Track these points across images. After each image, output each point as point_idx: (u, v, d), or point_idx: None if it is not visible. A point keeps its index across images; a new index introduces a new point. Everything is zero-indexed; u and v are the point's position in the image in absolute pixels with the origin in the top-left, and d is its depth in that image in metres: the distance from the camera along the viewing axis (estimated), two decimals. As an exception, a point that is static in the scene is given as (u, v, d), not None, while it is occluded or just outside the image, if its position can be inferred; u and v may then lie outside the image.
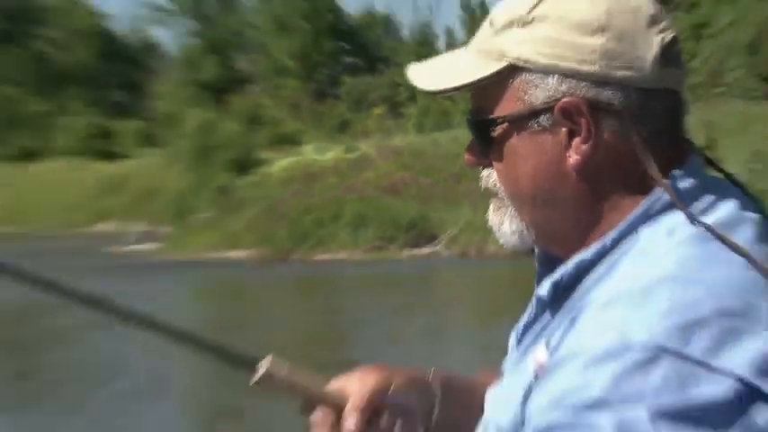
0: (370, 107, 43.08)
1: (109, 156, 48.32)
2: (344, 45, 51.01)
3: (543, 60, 1.24)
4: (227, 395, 11.05)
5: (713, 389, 1.09)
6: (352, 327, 19.85)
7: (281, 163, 36.59)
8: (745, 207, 1.28)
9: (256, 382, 1.41)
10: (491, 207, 1.37)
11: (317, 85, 47.51)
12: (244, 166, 36.81)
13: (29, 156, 50.78)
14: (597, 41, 1.23)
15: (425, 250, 29.29)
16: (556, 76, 1.24)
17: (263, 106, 44.82)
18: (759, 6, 35.78)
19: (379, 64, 48.27)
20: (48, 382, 14.20)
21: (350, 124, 42.68)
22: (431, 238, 29.63)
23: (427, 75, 1.35)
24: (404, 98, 41.25)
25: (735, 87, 33.18)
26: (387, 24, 55.07)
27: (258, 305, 22.91)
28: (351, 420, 1.42)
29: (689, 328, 1.12)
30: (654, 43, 1.25)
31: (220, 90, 47.02)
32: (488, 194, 1.36)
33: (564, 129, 1.24)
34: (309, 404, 1.48)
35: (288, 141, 40.69)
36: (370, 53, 51.22)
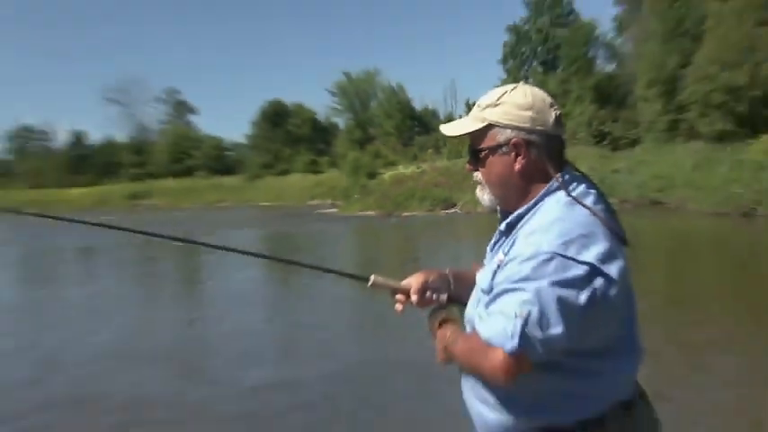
0: (427, 149, 51.10)
1: (317, 172, 61.38)
2: (416, 122, 61.21)
3: (504, 121, 1.82)
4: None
5: (580, 270, 1.64)
6: (419, 243, 23.94)
7: (388, 173, 45.48)
8: (590, 187, 1.83)
9: (370, 286, 2.14)
10: (477, 189, 1.96)
11: (404, 139, 57.51)
12: (373, 175, 45.75)
13: (285, 171, 65.12)
14: (528, 113, 1.81)
15: (451, 210, 35.35)
16: (509, 129, 1.82)
17: (381, 149, 54.55)
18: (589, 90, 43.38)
19: (430, 130, 56.02)
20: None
21: (418, 156, 50.28)
22: (453, 205, 35.67)
23: (449, 128, 1.95)
24: (441, 144, 48.58)
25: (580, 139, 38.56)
26: (433, 113, 63.60)
27: (379, 236, 27.72)
28: (413, 297, 2.10)
29: (567, 243, 1.66)
30: (552, 114, 1.83)
31: (362, 143, 58.90)
32: (476, 184, 1.95)
33: (513, 152, 1.82)
34: (394, 292, 2.16)
35: (391, 164, 49.39)
36: (426, 124, 59.83)
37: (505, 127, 1.82)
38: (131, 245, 24.96)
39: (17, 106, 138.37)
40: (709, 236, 20.95)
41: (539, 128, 1.81)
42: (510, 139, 1.82)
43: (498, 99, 1.85)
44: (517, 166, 1.83)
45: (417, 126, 60.76)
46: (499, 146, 1.84)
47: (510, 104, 1.83)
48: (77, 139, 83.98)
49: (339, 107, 70.33)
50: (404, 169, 45.37)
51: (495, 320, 1.67)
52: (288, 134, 69.39)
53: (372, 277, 2.17)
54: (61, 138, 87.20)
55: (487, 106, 1.87)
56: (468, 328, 1.93)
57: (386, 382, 7.44)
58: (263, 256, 2.80)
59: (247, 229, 32.19)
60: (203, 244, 2.65)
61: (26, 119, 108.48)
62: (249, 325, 10.89)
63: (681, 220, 24.63)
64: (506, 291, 1.69)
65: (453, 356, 1.89)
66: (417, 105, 64.32)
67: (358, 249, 24.41)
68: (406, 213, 36.32)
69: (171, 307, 13.84)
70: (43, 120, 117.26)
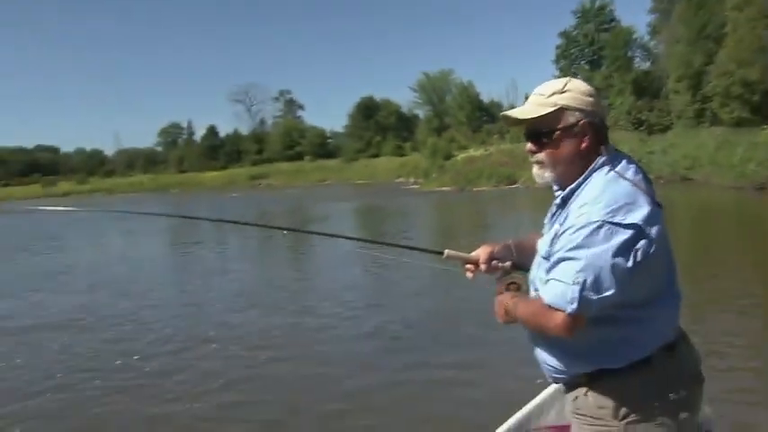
0: (493, 134, 49.72)
1: (401, 155, 60.93)
2: (483, 113, 59.22)
3: (574, 105, 1.77)
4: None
5: (626, 234, 1.61)
6: (488, 213, 23.88)
7: (461, 155, 44.67)
8: (629, 162, 1.77)
9: (444, 258, 2.10)
10: (535, 168, 1.87)
11: (474, 127, 56.29)
12: (448, 157, 45.14)
13: (375, 155, 65.61)
14: (590, 99, 1.77)
15: (513, 186, 35.08)
16: (578, 112, 1.76)
17: (455, 135, 52.86)
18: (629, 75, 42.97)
19: (496, 119, 46.20)
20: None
21: (485, 141, 49.07)
22: (515, 182, 35.42)
23: (519, 112, 1.84)
24: (505, 130, 44.74)
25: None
26: (498, 104, 60.80)
27: (454, 206, 27.85)
28: (482, 266, 2.05)
29: (614, 211, 1.62)
30: (602, 102, 1.85)
31: (438, 130, 57.51)
32: (534, 163, 1.86)
33: (581, 133, 1.76)
34: (464, 262, 2.10)
35: (463, 148, 48.02)
36: (492, 114, 56.46)
37: (575, 110, 1.76)
38: (248, 217, 25.44)
39: (165, 106, 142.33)
40: (729, 205, 21.12)
41: (598, 112, 1.79)
42: (579, 121, 1.76)
43: (564, 87, 1.79)
44: (583, 145, 1.77)
45: (485, 116, 59.23)
46: (570, 127, 1.77)
47: (576, 91, 1.78)
48: (211, 133, 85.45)
49: (419, 101, 69.30)
50: (474, 152, 45.10)
51: (555, 286, 1.66)
52: (377, 124, 69.41)
53: (446, 251, 2.12)
54: (199, 132, 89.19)
55: (554, 93, 1.79)
56: (531, 290, 1.91)
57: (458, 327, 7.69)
58: (349, 238, 2.65)
59: (346, 202, 32.47)
60: (287, 229, 3.01)
61: (174, 117, 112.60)
62: (345, 282, 11.34)
63: (706, 192, 24.76)
64: (563, 259, 1.66)
65: (515, 318, 1.86)
66: (485, 99, 63.00)
67: (437, 218, 24.59)
68: (476, 188, 36.33)
69: (283, 266, 14.46)
70: (186, 117, 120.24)
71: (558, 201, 1.86)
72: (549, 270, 1.72)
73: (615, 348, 1.74)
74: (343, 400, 5.49)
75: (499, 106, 60.11)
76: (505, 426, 2.42)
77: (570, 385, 1.87)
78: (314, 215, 25.35)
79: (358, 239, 2.82)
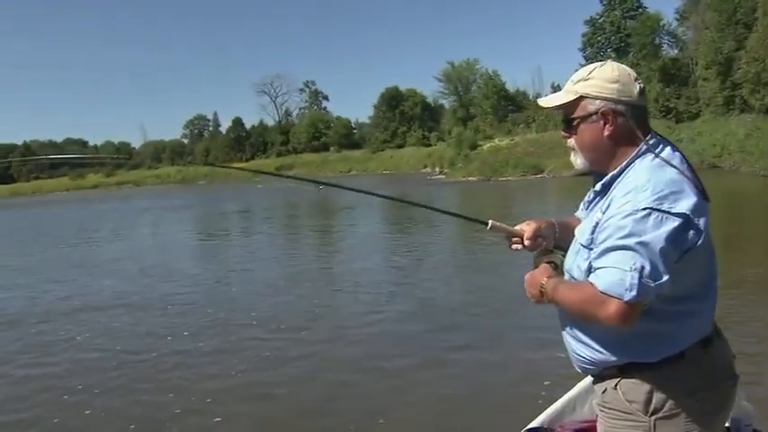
0: (518, 124, 51.60)
1: (427, 145, 61.51)
2: (509, 102, 59.69)
3: (594, 93, 1.75)
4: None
5: (675, 222, 1.58)
6: (514, 202, 24.05)
7: (486, 145, 45.27)
8: (674, 150, 1.75)
9: (489, 229, 2.08)
10: (571, 154, 1.86)
11: (499, 117, 56.87)
12: (474, 146, 45.62)
13: (401, 145, 65.87)
14: (614, 86, 1.73)
15: (539, 175, 35.67)
16: (598, 100, 1.74)
17: (480, 125, 54.04)
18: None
19: (522, 109, 56.69)
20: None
21: (511, 130, 50.80)
22: (541, 171, 36.20)
23: (545, 101, 1.89)
24: (531, 120, 49.68)
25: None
26: (523, 94, 62.28)
27: (480, 196, 27.73)
28: (527, 241, 2.01)
29: (661, 198, 1.59)
30: (636, 86, 1.75)
31: (464, 120, 58.55)
32: (570, 150, 1.86)
33: (602, 121, 1.74)
34: (509, 236, 2.07)
35: (489, 137, 48.88)
36: (518, 104, 58.89)
37: (595, 98, 1.75)
38: (275, 207, 26.51)
39: (191, 99, 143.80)
40: (758, 193, 20.99)
41: (624, 98, 1.73)
42: (599, 109, 1.74)
43: (589, 74, 1.77)
44: (606, 132, 1.74)
45: (510, 105, 59.94)
46: (589, 115, 1.76)
47: (599, 78, 1.76)
48: (237, 124, 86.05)
49: (445, 91, 69.34)
50: (499, 141, 45.59)
51: (610, 273, 1.59)
52: (403, 114, 69.53)
53: (491, 222, 2.08)
54: (225, 123, 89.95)
55: (579, 81, 1.79)
56: (566, 275, 1.86)
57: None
58: (412, 204, 2.67)
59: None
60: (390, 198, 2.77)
61: (200, 109, 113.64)
62: (385, 264, 11.90)
63: (735, 180, 24.48)
64: (616, 246, 1.60)
65: (551, 300, 1.80)
66: (510, 88, 63.17)
67: (464, 207, 24.66)
68: (501, 178, 36.51)
69: (313, 249, 15.25)
70: (212, 109, 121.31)
71: (597, 187, 1.82)
72: (597, 258, 1.66)
73: (651, 342, 1.70)
74: (389, 377, 5.72)
75: (525, 95, 61.39)
76: (539, 420, 2.37)
77: (599, 377, 1.83)
78: (340, 204, 25.91)
79: (422, 206, 2.88)
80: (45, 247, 19.25)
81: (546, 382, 4.95)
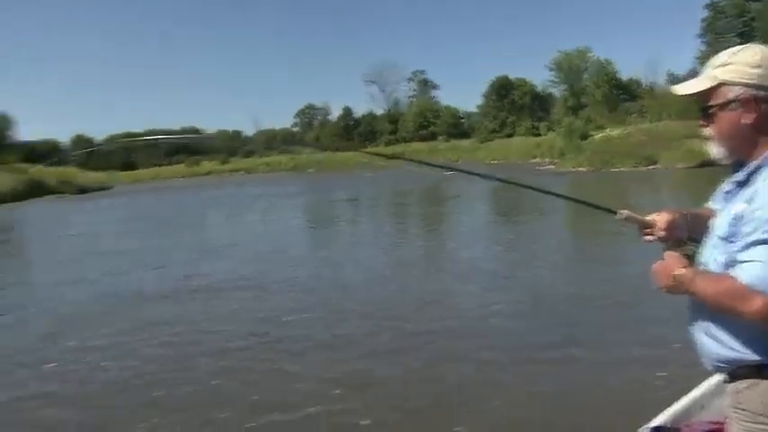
0: (632, 113, 49.38)
1: (536, 135, 60.17)
2: (621, 91, 58.23)
3: (733, 79, 1.66)
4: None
5: None
6: (627, 193, 23.32)
7: (598, 135, 44.13)
8: None
9: (624, 219, 2.01)
10: (710, 143, 1.76)
11: (611, 106, 55.10)
12: (585, 136, 44.14)
13: (510, 135, 65.25)
14: (756, 71, 1.64)
15: (653, 167, 34.79)
16: (738, 86, 1.65)
17: (592, 114, 52.51)
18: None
19: (635, 97, 55.50)
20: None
21: (624, 120, 48.21)
22: (655, 162, 35.30)
23: (681, 88, 1.78)
24: (645, 109, 47.94)
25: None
26: (637, 82, 60.81)
27: (590, 187, 27.32)
28: (662, 232, 1.93)
29: None
30: None
31: (575, 109, 57.26)
32: (706, 139, 1.77)
33: (742, 108, 1.66)
34: (642, 225, 2.00)
35: (600, 127, 47.19)
36: (631, 92, 57.67)
37: (735, 84, 1.66)
38: (383, 195, 27.13)
39: (302, 88, 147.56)
40: None
41: (766, 84, 1.64)
42: (738, 96, 1.66)
43: (728, 59, 1.69)
44: (746, 120, 1.65)
45: (623, 94, 58.15)
46: (729, 102, 1.67)
47: (739, 63, 1.67)
48: (346, 113, 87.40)
49: (555, 80, 67.64)
50: (611, 131, 44.44)
51: (755, 268, 1.52)
52: (512, 104, 68.61)
53: (625, 212, 2.02)
54: (335, 112, 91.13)
55: (718, 66, 1.70)
56: (701, 268, 1.78)
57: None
58: (541, 191, 2.60)
59: (479, 181, 32.95)
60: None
61: (310, 99, 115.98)
62: (493, 252, 12.18)
63: None
64: (762, 240, 1.54)
65: (687, 290, 1.70)
66: (623, 76, 61.36)
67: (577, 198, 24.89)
68: (613, 169, 35.71)
69: (421, 238, 15.36)
70: (322, 99, 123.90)
71: (739, 177, 1.73)
72: (741, 251, 1.58)
73: None
74: (477, 371, 5.73)
75: (638, 84, 59.68)
76: (661, 418, 2.27)
77: (733, 376, 1.72)
78: (448, 193, 26.09)
79: (554, 194, 2.75)
80: (177, 229, 20.16)
81: (661, 382, 4.84)
